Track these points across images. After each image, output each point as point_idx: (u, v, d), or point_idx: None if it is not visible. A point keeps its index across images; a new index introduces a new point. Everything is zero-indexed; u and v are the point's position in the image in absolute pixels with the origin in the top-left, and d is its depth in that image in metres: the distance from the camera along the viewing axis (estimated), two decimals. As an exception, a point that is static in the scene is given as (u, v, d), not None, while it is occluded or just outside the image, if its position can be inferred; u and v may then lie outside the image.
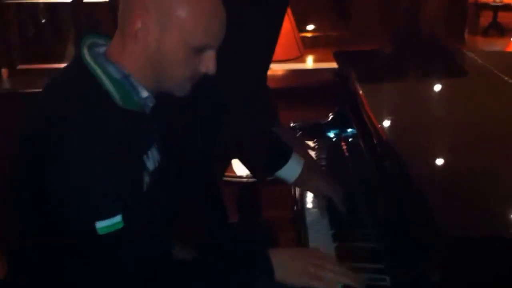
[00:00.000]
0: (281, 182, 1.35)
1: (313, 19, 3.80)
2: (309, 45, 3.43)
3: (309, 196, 1.40)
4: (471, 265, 0.80)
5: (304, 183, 1.33)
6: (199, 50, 0.98)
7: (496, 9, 5.06)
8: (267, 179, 1.50)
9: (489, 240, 0.81)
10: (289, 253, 1.06)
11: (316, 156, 1.63)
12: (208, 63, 1.00)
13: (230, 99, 1.28)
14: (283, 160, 1.30)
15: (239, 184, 2.05)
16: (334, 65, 1.75)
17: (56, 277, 0.98)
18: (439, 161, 1.11)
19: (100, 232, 0.90)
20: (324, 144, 1.67)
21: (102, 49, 1.02)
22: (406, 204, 0.95)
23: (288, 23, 2.39)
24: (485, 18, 5.13)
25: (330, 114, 1.71)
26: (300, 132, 1.74)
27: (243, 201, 2.11)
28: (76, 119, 0.92)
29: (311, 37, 3.68)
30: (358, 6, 3.89)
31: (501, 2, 5.06)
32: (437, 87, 1.59)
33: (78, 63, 0.98)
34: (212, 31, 0.98)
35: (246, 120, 1.32)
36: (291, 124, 1.76)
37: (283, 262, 1.03)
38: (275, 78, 2.74)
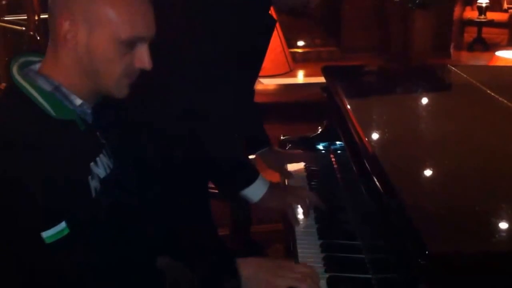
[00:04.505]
0: (246, 200, 1.39)
1: (304, 36, 3.86)
2: (300, 60, 3.48)
3: (299, 208, 1.42)
4: (455, 281, 0.81)
5: (268, 202, 1.37)
6: (130, 44, 0.98)
7: (480, 25, 5.17)
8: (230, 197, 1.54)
9: (472, 257, 0.82)
10: (256, 264, 1.08)
11: (306, 169, 1.66)
12: (142, 58, 1.00)
13: (205, 111, 1.29)
14: (249, 179, 1.34)
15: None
16: (323, 79, 1.78)
17: None
18: (424, 174, 1.14)
19: (47, 242, 0.92)
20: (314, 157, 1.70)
21: (36, 66, 1.03)
22: (391, 217, 0.97)
23: (277, 39, 2.44)
24: (470, 34, 5.22)
25: (319, 127, 1.75)
26: (290, 145, 1.77)
27: (233, 214, 2.12)
28: (9, 135, 0.93)
29: (302, 52, 3.73)
30: (347, 23, 3.95)
31: (485, 18, 5.17)
32: (423, 101, 1.62)
33: (10, 84, 1.00)
34: (139, 22, 0.98)
35: (219, 134, 1.33)
36: (281, 138, 1.80)
37: (250, 274, 1.06)
38: (266, 92, 2.78)
